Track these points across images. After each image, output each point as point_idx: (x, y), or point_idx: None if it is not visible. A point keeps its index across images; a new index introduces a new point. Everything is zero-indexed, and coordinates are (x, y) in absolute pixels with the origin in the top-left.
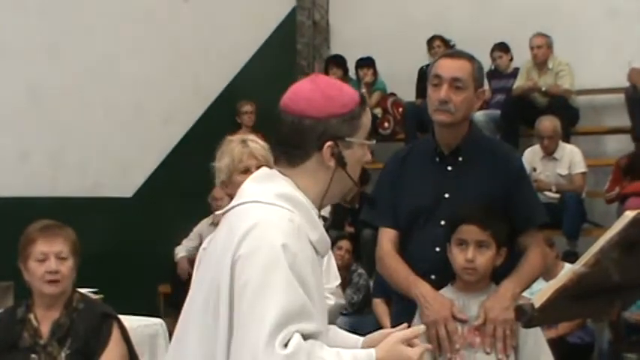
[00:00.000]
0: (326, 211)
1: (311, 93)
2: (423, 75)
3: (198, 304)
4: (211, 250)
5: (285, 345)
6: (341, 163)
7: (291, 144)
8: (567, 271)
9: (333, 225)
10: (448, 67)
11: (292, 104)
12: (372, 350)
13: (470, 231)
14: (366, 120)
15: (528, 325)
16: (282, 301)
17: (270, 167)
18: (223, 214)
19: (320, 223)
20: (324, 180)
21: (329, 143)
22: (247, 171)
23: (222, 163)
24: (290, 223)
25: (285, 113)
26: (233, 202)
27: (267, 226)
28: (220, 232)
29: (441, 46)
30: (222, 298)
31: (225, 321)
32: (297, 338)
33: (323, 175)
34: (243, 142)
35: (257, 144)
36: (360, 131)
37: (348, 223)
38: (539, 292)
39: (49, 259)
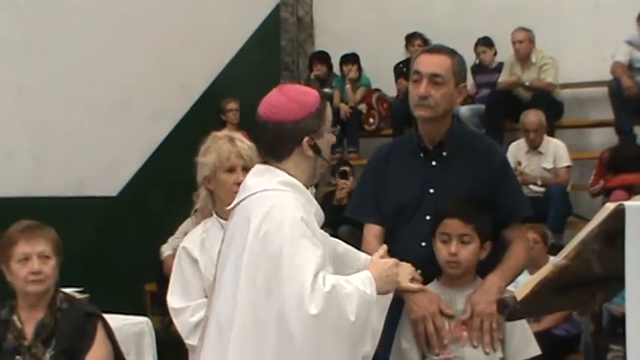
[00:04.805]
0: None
1: (286, 103)
2: (400, 72)
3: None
4: (230, 244)
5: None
6: (317, 152)
7: (275, 144)
8: (549, 264)
9: (326, 222)
10: (427, 63)
11: (273, 115)
12: (367, 272)
13: (453, 225)
14: (328, 112)
15: (510, 318)
16: (313, 257)
17: (255, 165)
18: (232, 208)
19: (314, 199)
20: (308, 166)
21: (306, 139)
22: (232, 170)
23: (207, 158)
24: (296, 201)
25: (268, 122)
26: (240, 196)
27: (281, 206)
28: (235, 224)
29: (421, 45)
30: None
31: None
32: (329, 278)
33: (306, 163)
34: (231, 140)
35: (244, 144)
36: (326, 122)
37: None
38: (522, 285)
39: (32, 259)
